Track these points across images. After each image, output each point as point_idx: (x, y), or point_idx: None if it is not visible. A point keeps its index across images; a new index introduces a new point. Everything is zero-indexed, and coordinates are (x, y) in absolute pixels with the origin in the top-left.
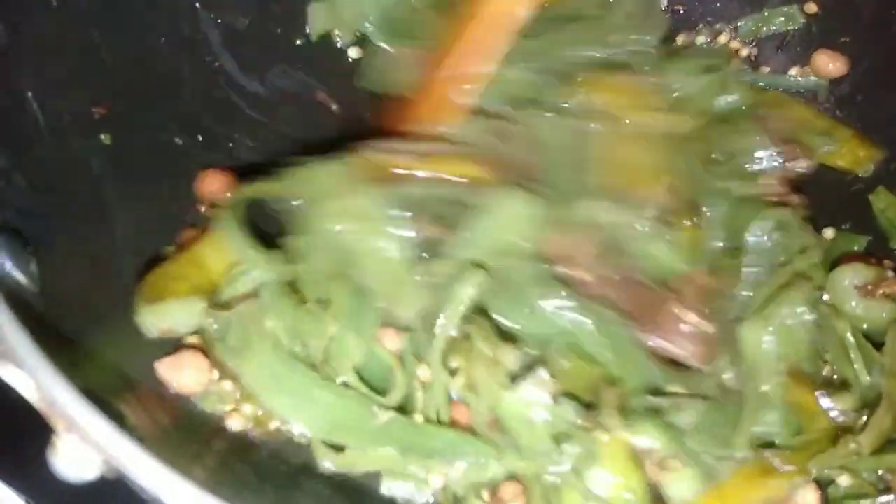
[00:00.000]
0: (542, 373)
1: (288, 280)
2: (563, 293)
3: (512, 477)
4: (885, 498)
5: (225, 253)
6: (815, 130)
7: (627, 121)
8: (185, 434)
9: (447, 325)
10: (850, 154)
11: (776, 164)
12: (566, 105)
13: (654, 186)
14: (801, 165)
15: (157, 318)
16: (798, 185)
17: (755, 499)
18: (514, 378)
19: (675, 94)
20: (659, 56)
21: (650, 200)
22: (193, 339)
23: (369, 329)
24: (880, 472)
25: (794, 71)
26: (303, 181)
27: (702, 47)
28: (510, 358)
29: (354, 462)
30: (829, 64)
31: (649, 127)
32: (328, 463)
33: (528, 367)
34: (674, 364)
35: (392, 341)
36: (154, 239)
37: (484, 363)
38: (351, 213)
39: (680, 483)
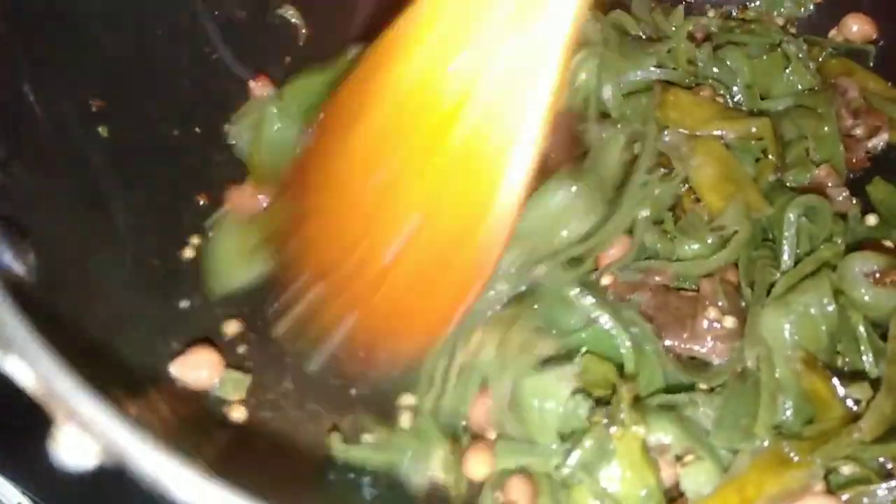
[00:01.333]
0: (570, 368)
1: None
2: (586, 292)
3: (522, 474)
4: (888, 484)
5: None
6: (890, 99)
7: (699, 133)
8: (186, 424)
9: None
10: None
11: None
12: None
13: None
14: (883, 140)
15: None
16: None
17: (773, 490)
18: (544, 363)
19: (740, 82)
20: (708, 54)
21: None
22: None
23: None
24: (881, 460)
25: (832, 33)
26: None
27: (751, 27)
28: (544, 345)
29: (368, 455)
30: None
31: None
32: (340, 452)
33: (559, 360)
34: (691, 359)
35: None
36: (153, 229)
37: (518, 344)
38: None
39: (697, 476)
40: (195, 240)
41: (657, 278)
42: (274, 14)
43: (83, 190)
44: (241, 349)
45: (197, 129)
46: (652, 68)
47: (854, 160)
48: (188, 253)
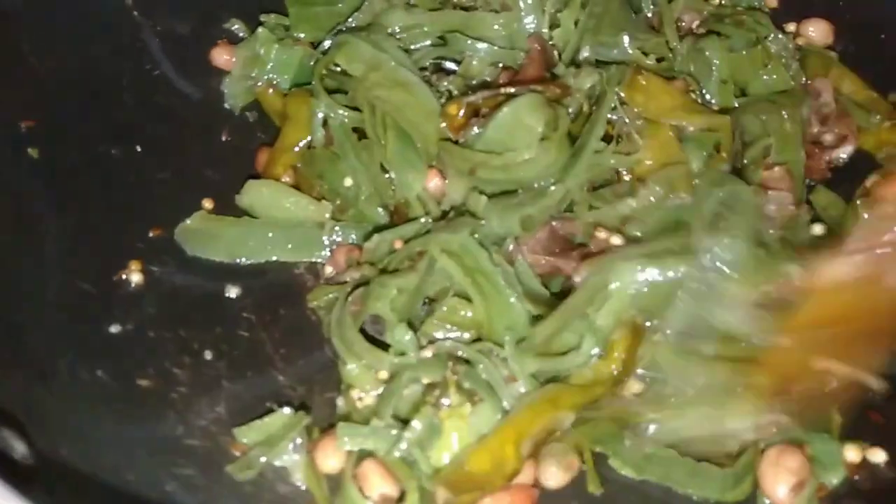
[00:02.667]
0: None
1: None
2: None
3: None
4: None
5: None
6: (861, 103)
7: (662, 122)
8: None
9: None
10: (876, 135)
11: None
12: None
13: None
14: (847, 151)
15: None
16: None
17: (539, 428)
18: None
19: (715, 77)
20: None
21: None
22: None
23: (423, 167)
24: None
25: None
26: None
27: (742, 17)
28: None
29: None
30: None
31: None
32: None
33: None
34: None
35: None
36: (87, 252)
37: None
38: (394, 81)
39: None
40: (133, 263)
41: (557, 223)
42: (221, 28)
43: (7, 214)
44: (175, 371)
45: (138, 148)
46: (630, 51)
47: (814, 168)
48: (125, 276)
